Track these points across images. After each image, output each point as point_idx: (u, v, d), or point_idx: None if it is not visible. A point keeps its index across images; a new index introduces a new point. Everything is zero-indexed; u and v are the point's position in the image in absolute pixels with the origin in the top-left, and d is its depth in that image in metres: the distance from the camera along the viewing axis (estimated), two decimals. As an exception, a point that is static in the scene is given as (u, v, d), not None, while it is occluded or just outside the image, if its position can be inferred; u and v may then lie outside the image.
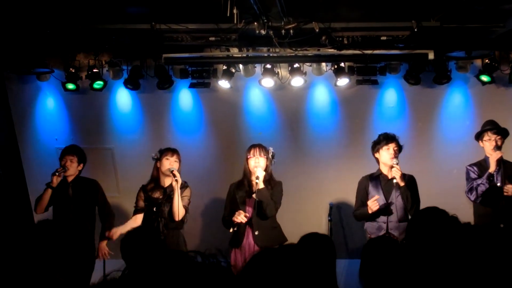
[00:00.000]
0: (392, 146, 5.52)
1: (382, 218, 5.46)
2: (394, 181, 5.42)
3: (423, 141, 6.96)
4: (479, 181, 5.57)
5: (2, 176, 6.56)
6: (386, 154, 5.52)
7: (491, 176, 5.53)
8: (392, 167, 5.45)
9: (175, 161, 5.52)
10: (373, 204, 5.34)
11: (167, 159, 5.50)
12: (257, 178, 5.34)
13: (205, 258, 1.27)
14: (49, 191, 5.71)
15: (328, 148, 6.99)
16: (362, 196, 5.61)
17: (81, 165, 5.91)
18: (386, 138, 5.55)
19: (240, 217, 5.32)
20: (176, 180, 5.33)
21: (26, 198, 6.75)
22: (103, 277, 1.28)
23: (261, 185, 5.35)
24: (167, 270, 1.22)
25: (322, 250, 3.50)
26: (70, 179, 5.84)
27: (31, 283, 2.60)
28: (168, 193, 5.49)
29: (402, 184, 5.40)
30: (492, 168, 5.52)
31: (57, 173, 5.69)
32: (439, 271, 2.72)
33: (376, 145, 5.60)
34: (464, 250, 2.68)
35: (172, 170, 5.38)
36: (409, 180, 5.54)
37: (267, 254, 1.69)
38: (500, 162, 5.55)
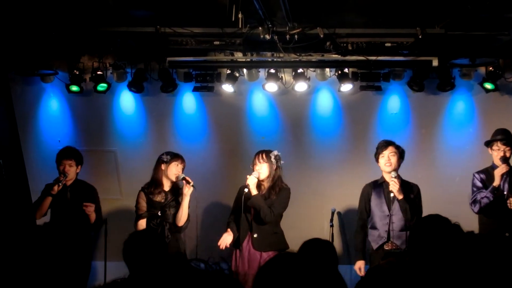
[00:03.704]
0: (387, 153, 5.45)
1: (384, 227, 5.43)
2: (392, 194, 5.38)
3: (426, 148, 6.95)
4: (483, 194, 5.43)
5: (4, 176, 6.56)
6: (381, 161, 5.49)
7: (495, 189, 5.39)
8: (390, 176, 5.40)
9: (182, 168, 5.54)
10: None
11: (177, 165, 5.50)
12: (247, 186, 5.35)
13: (208, 266, 1.27)
14: (49, 198, 5.64)
15: (331, 154, 6.98)
16: (365, 203, 5.58)
17: (79, 167, 5.85)
18: (380, 146, 5.51)
19: (222, 244, 5.46)
20: (193, 186, 5.38)
21: (28, 199, 6.73)
22: (113, 280, 1.28)
23: (253, 192, 5.35)
24: (169, 278, 1.22)
25: (324, 256, 3.50)
26: (69, 183, 5.78)
27: (31, 284, 2.60)
28: (172, 198, 5.48)
29: (400, 197, 5.35)
30: (497, 182, 5.38)
31: (60, 183, 5.61)
32: (441, 279, 2.72)
33: (375, 154, 5.56)
34: (466, 258, 2.68)
35: (184, 177, 5.40)
36: (412, 191, 5.48)
37: (271, 263, 1.69)
38: (505, 176, 5.41)
